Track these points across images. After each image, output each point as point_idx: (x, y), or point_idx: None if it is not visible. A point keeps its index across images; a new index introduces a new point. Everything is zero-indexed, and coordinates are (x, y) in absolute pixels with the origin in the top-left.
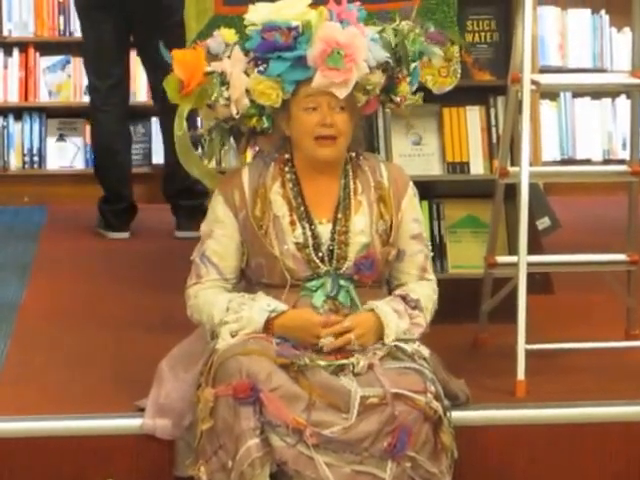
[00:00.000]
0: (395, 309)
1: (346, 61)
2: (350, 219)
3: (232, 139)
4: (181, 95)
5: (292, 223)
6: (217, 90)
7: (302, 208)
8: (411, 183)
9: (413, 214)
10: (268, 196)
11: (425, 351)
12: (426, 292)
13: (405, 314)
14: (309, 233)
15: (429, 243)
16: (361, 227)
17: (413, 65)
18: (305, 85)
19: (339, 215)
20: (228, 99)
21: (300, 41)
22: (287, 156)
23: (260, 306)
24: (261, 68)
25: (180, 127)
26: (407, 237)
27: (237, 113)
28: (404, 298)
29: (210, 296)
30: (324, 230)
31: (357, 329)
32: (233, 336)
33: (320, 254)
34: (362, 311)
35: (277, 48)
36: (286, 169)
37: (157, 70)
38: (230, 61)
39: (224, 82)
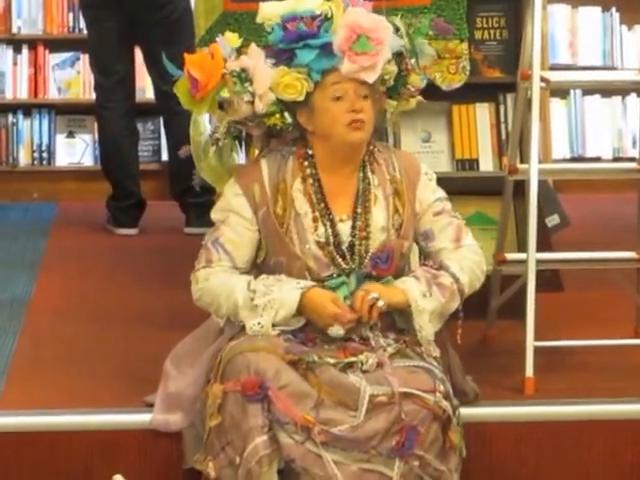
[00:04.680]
0: (412, 275)
1: (374, 44)
2: (370, 212)
3: (242, 145)
4: (196, 99)
5: (315, 220)
6: (240, 87)
7: (322, 204)
8: (423, 168)
9: (432, 196)
10: (289, 193)
11: (436, 351)
12: (461, 255)
13: (423, 276)
14: (330, 231)
15: (457, 214)
16: (381, 223)
17: (412, 61)
18: (330, 74)
19: (358, 210)
20: (253, 95)
21: (322, 30)
22: (310, 152)
23: (289, 285)
24: (284, 60)
25: (198, 133)
26: (431, 216)
27: (263, 109)
28: (425, 265)
29: (224, 278)
30: (344, 227)
31: (372, 291)
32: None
33: (341, 252)
34: None
35: (302, 37)
36: (306, 164)
37: (159, 67)
38: (249, 57)
39: (247, 78)
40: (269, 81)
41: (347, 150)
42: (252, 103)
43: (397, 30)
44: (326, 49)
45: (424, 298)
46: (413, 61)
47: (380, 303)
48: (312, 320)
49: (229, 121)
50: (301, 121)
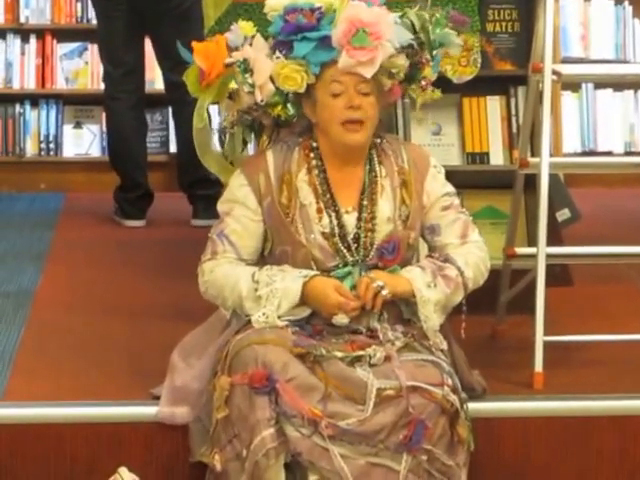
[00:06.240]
0: (417, 265)
1: (372, 39)
2: (376, 204)
3: (253, 134)
4: (202, 87)
5: (319, 211)
6: (241, 78)
7: (328, 195)
8: (432, 161)
9: (440, 190)
10: (294, 183)
11: (443, 344)
12: (467, 250)
13: (429, 267)
14: (335, 222)
15: (465, 210)
16: (387, 214)
17: (434, 52)
18: (330, 68)
19: (364, 202)
20: (252, 86)
21: (323, 22)
22: (315, 144)
23: (292, 275)
24: (284, 52)
25: (200, 120)
26: (438, 211)
27: (262, 100)
28: (431, 256)
29: (229, 269)
30: (350, 219)
31: (378, 280)
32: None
33: (346, 243)
34: None
35: (301, 29)
36: (312, 155)
37: (169, 59)
38: (252, 48)
39: (247, 69)
40: (268, 72)
41: (345, 149)
42: (253, 93)
43: (413, 24)
44: (325, 42)
45: (429, 288)
46: (435, 53)
47: (384, 292)
48: (316, 309)
49: (236, 110)
50: (307, 112)
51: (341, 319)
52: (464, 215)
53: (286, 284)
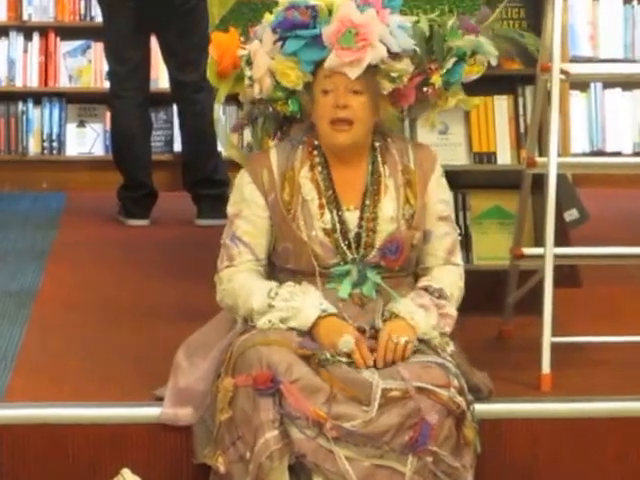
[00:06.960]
0: (420, 304)
1: (357, 40)
2: (378, 205)
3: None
4: (218, 77)
5: (321, 207)
6: (244, 70)
7: (330, 192)
8: (438, 164)
9: (441, 195)
10: (297, 179)
11: (451, 346)
12: (451, 279)
13: (432, 306)
14: (337, 218)
15: (456, 227)
16: (390, 214)
17: (452, 60)
18: (323, 66)
19: (367, 201)
20: (251, 79)
21: (320, 21)
22: (316, 142)
23: (312, 302)
24: (283, 48)
25: (216, 111)
26: (435, 218)
27: (260, 92)
28: (426, 289)
29: (247, 280)
30: (351, 217)
31: (400, 335)
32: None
33: (347, 241)
34: (386, 321)
35: (295, 26)
36: (315, 152)
37: (174, 57)
38: (259, 42)
39: (249, 62)
40: (264, 67)
41: (336, 148)
42: (252, 87)
43: (423, 32)
44: (317, 40)
45: (433, 330)
46: (456, 60)
47: (414, 343)
48: (320, 343)
49: (250, 102)
50: (307, 110)
51: (348, 343)
52: (455, 233)
53: (303, 307)
